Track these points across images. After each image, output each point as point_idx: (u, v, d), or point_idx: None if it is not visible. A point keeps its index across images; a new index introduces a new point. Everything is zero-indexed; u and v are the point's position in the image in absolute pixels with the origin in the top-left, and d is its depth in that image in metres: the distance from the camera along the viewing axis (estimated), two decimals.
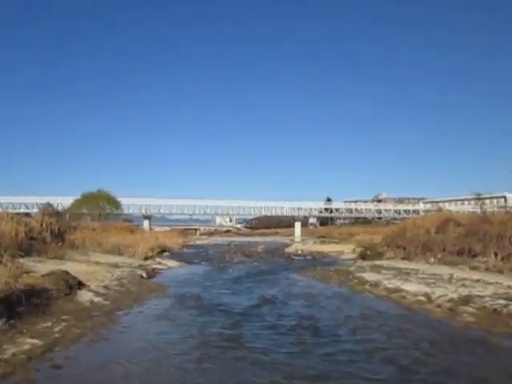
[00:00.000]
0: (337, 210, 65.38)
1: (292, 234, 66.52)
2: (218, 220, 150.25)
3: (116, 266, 15.27)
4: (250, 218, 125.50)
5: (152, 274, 15.08)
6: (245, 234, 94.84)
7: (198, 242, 51.99)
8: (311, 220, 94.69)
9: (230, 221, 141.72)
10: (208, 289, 11.93)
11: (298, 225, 60.70)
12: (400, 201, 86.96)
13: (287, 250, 33.24)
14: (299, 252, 30.58)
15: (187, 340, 6.59)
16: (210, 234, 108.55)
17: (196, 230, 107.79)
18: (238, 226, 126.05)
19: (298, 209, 62.22)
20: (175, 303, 9.73)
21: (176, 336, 6.83)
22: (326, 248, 31.29)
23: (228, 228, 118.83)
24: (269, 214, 66.12)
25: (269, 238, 71.80)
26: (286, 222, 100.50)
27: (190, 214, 70.43)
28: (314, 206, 65.62)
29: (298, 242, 52.17)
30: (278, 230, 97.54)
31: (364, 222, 70.40)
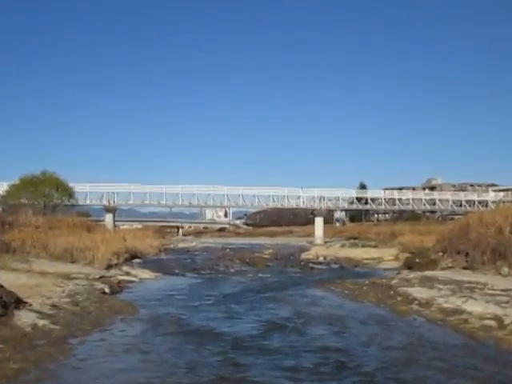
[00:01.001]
0: (374, 200, 64.52)
1: (311, 235, 66.60)
2: (209, 214, 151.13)
3: (68, 277, 15.41)
4: (254, 211, 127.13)
5: (117, 288, 15.29)
6: (246, 234, 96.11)
7: (181, 245, 52.19)
8: (338, 214, 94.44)
9: (226, 215, 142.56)
10: (195, 310, 12.04)
11: (319, 221, 59.92)
12: (461, 188, 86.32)
13: (305, 256, 33.54)
14: (321, 259, 30.79)
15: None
16: (198, 233, 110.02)
17: (178, 227, 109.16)
18: (237, 222, 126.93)
19: (320, 199, 61.08)
20: (149, 329, 9.79)
21: (151, 376, 6.90)
22: (359, 253, 31.53)
23: (223, 225, 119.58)
24: (279, 206, 65.40)
25: (279, 240, 72.13)
26: (302, 218, 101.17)
27: (170, 206, 70.60)
28: (341, 194, 63.83)
29: (320, 244, 52.40)
30: (293, 229, 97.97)
31: (411, 217, 69.94)
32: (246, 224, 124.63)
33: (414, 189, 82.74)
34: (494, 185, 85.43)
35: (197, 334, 9.24)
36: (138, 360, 7.61)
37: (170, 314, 11.38)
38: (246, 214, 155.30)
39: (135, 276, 19.07)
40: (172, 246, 49.90)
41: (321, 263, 27.53)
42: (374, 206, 65.51)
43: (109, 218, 56.33)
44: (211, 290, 15.93)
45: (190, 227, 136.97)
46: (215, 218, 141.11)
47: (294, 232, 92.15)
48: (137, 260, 26.46)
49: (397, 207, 65.95)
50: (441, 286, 13.61)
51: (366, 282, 16.50)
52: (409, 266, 21.38)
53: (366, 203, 63.71)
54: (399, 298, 12.97)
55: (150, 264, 25.05)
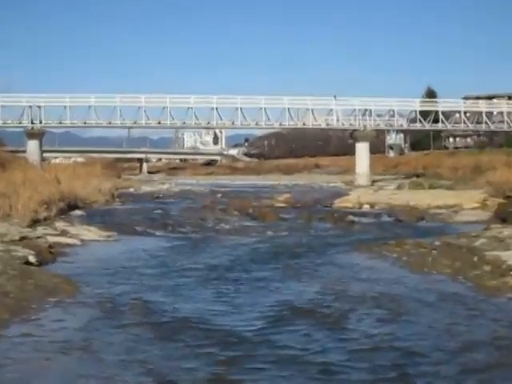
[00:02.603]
0: (448, 116, 64.52)
1: (349, 170, 66.63)
2: (190, 140, 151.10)
3: None
4: (260, 135, 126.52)
5: (48, 256, 15.39)
6: (248, 171, 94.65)
7: (147, 189, 52.52)
8: (392, 139, 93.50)
9: (216, 142, 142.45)
10: (168, 290, 12.10)
11: (362, 149, 60.17)
12: None
13: (340, 203, 33.76)
14: (366, 208, 31.25)
15: None
16: (172, 169, 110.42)
17: (141, 161, 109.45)
18: (234, 152, 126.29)
19: (365, 114, 61.19)
20: (97, 319, 9.81)
21: None
22: (425, 199, 31.66)
23: (211, 157, 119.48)
24: (300, 127, 64.69)
25: (300, 179, 71.98)
26: (336, 145, 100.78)
27: (128, 128, 70.15)
28: (398, 106, 63.34)
29: (364, 186, 52.70)
30: (321, 162, 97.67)
31: (507, 142, 68.98)
32: (248, 155, 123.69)
33: (510, 97, 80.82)
34: None
35: (170, 328, 9.22)
36: (78, 366, 7.63)
37: (129, 296, 11.42)
38: (247, 140, 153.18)
39: (75, 236, 19.22)
40: (132, 190, 49.91)
41: (365, 215, 27.81)
42: (448, 126, 64.62)
43: (33, 147, 56.39)
44: (194, 259, 15.97)
45: (159, 160, 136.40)
46: (199, 145, 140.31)
47: (322, 166, 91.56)
48: (78, 212, 26.68)
49: (484, 127, 65.36)
50: None
51: (436, 244, 16.57)
52: (503, 217, 21.61)
53: (437, 121, 63.27)
54: (487, 268, 13.05)
55: (99, 218, 25.31)
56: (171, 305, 10.82)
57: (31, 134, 57.20)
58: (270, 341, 8.59)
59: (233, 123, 62.24)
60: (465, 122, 64.92)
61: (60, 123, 59.36)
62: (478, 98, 75.37)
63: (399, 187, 43.95)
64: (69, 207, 26.97)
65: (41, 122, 57.66)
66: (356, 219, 25.67)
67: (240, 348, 8.26)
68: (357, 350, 8.13)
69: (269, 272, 14.10)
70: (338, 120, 61.85)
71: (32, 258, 14.19)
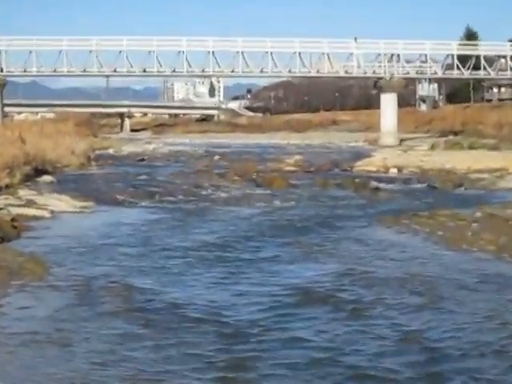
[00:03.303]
0: (491, 62, 64.85)
1: (373, 127, 66.36)
2: (181, 91, 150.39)
3: None
4: (265, 85, 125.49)
5: (11, 230, 15.39)
6: (251, 129, 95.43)
7: (130, 149, 52.88)
8: (424, 89, 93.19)
9: (213, 93, 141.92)
10: (155, 272, 12.16)
11: (388, 101, 60.58)
12: None
13: (362, 167, 34.03)
14: (393, 172, 31.35)
15: None
16: (159, 126, 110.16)
17: (123, 117, 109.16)
18: (234, 105, 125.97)
19: (391, 59, 61.26)
20: (71, 306, 9.85)
21: None
22: (464, 162, 31.68)
23: (207, 112, 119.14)
24: (313, 75, 65.17)
25: (314, 138, 71.87)
26: (357, 96, 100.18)
27: (107, 76, 69.96)
28: (431, 50, 64.03)
29: (391, 145, 52.86)
30: (339, 117, 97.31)
31: None
32: (251, 109, 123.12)
33: None
34: None
35: (157, 319, 9.24)
36: (46, 363, 7.60)
37: (107, 279, 11.45)
38: (250, 91, 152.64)
39: (44, 207, 19.19)
40: (112, 152, 49.95)
41: (392, 181, 27.78)
42: (491, 73, 64.37)
43: None
44: (186, 235, 15.99)
45: (144, 116, 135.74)
46: (192, 98, 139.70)
47: (340, 123, 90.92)
48: (47, 178, 26.65)
49: None
50: None
51: (477, 215, 16.61)
52: None
53: (478, 68, 63.16)
54: None
55: (72, 185, 25.26)
56: (159, 291, 10.81)
57: None
58: (278, 336, 8.51)
59: (232, 71, 61.71)
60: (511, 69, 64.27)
61: (24, 71, 58.88)
62: None
63: (433, 147, 43.78)
64: (36, 172, 26.91)
65: (1, 71, 57.25)
66: (381, 186, 25.63)
67: (241, 346, 8.18)
68: (382, 346, 8.09)
69: (276, 251, 14.08)
70: (359, 67, 61.27)
71: None
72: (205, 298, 10.32)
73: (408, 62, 63.10)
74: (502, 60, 65.08)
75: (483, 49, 64.93)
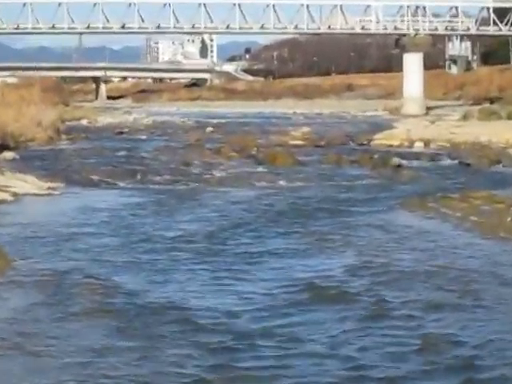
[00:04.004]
0: None
1: (395, 93, 66.11)
2: (167, 52, 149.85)
3: None
4: (267, 44, 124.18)
5: None
6: (250, 95, 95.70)
7: (106, 120, 52.82)
8: (454, 48, 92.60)
9: (204, 53, 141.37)
10: (138, 266, 12.20)
11: (413, 62, 61.14)
12: None
13: (382, 140, 34.08)
14: (418, 147, 31.46)
15: None
16: (142, 93, 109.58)
17: (98, 81, 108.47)
18: (229, 69, 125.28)
19: (416, 11, 61.50)
20: (39, 305, 9.87)
21: None
22: (502, 133, 31.71)
23: (198, 75, 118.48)
24: (323, 31, 66.24)
25: (325, 106, 71.43)
26: (375, 57, 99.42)
27: (79, 33, 69.57)
28: (462, 2, 64.35)
29: (416, 114, 53.31)
30: (355, 81, 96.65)
31: None
32: (251, 72, 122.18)
33: None
34: None
35: (138, 320, 9.26)
36: (8, 370, 7.62)
37: (80, 274, 11.46)
38: (248, 51, 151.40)
39: (5, 189, 19.09)
40: (86, 123, 49.86)
41: (418, 156, 27.80)
42: None
43: None
44: (172, 223, 16.01)
45: (123, 80, 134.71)
46: (180, 59, 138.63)
47: (356, 88, 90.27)
48: (8, 154, 26.56)
49: None
50: None
51: None
52: None
53: None
54: None
55: (39, 163, 25.30)
56: (140, 290, 10.80)
57: None
58: (285, 349, 8.35)
59: (228, 26, 61.57)
60: None
61: None
62: None
63: (465, 117, 43.58)
64: None
65: None
66: (404, 163, 25.54)
67: (239, 363, 7.97)
68: (405, 353, 8.05)
69: (280, 241, 14.08)
70: (378, 22, 61.16)
71: None
72: (194, 300, 10.28)
73: (436, 15, 62.93)
74: None
75: None
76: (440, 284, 10.75)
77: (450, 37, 74.64)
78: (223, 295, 10.59)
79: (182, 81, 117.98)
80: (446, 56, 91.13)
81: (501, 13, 62.01)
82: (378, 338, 8.63)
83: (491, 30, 62.96)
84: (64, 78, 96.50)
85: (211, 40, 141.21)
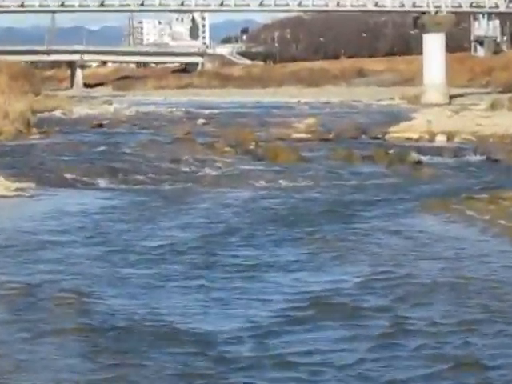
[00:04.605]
0: None
1: (414, 79, 66.03)
2: (152, 32, 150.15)
3: None
4: (266, 23, 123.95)
5: None
6: (247, 82, 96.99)
7: (83, 112, 53.08)
8: (481, 28, 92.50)
9: (195, 34, 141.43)
10: (118, 278, 12.24)
11: (434, 44, 61.76)
12: None
13: (397, 132, 34.33)
14: (440, 141, 31.63)
15: None
16: (123, 79, 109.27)
17: (74, 66, 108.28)
18: (224, 51, 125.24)
19: None
20: (6, 323, 9.87)
21: None
22: None
23: (188, 59, 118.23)
24: (331, 8, 66.23)
25: (333, 94, 71.42)
26: (391, 39, 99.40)
27: (52, 11, 69.41)
28: None
29: (437, 103, 54.06)
30: (367, 66, 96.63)
31: None
32: (248, 55, 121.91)
33: None
34: None
35: (118, 340, 9.26)
36: None
37: (53, 288, 11.46)
38: (246, 31, 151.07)
39: None
40: (60, 114, 49.91)
41: (440, 152, 27.91)
42: None
43: None
44: (158, 229, 16.02)
45: (102, 65, 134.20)
46: (168, 40, 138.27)
47: (370, 73, 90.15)
48: None
49: None
50: None
51: None
52: None
53: None
54: None
55: (6, 160, 25.36)
56: (120, 305, 10.79)
57: None
58: (284, 363, 8.44)
59: (222, 3, 61.67)
60: None
61: None
62: None
63: (494, 106, 43.57)
64: None
65: None
66: (424, 159, 25.61)
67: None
68: (427, 377, 8.03)
69: (282, 250, 14.09)
70: None
71: None
72: (182, 317, 10.26)
73: None
74: None
75: None
76: (465, 297, 10.72)
77: (475, 15, 74.65)
78: (213, 314, 10.49)
79: (170, 66, 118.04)
80: (472, 37, 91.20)
81: None
82: (396, 361, 8.55)
83: None
84: (35, 63, 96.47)
85: (203, 19, 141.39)
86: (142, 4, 58.00)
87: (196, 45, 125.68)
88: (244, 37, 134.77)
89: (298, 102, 60.80)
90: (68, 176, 22.64)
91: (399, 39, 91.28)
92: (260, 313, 10.48)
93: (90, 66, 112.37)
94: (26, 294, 11.14)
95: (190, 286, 11.92)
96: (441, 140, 31.08)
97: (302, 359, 8.60)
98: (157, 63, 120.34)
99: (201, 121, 42.63)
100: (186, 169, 24.22)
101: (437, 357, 8.59)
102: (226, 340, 9.35)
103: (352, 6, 59.70)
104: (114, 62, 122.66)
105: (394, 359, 8.62)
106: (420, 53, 60.37)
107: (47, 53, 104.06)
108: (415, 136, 32.27)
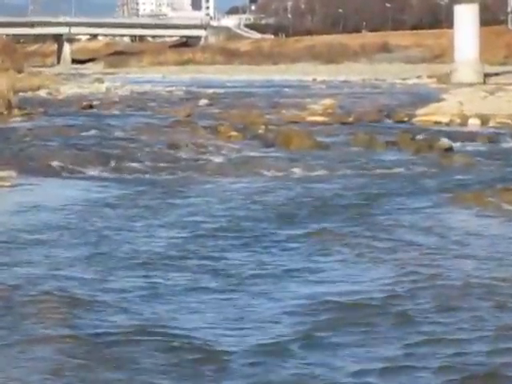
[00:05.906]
0: None
1: (443, 55, 66.22)
2: (148, 2, 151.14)
3: None
4: None
5: None
6: (256, 57, 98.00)
7: (71, 91, 53.78)
8: None
9: (197, 4, 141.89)
10: (109, 282, 12.24)
11: (467, 16, 61.29)
12: None
13: (425, 115, 34.66)
14: (472, 123, 31.89)
15: None
16: (116, 55, 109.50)
17: (61, 40, 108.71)
18: (229, 23, 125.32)
19: None
20: None
21: None
22: None
23: (189, 32, 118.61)
24: None
25: (353, 72, 71.65)
26: (418, 10, 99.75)
27: None
28: None
29: (470, 82, 54.16)
30: (391, 40, 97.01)
31: None
32: (257, 28, 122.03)
33: None
34: None
35: (112, 352, 9.13)
36: None
37: (35, 289, 11.50)
38: (253, 1, 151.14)
39: None
40: (45, 94, 50.29)
41: (473, 137, 28.09)
42: None
43: None
44: (155, 225, 16.06)
45: (93, 39, 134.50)
46: (166, 11, 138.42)
47: (394, 49, 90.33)
48: None
49: None
50: None
51: None
52: None
53: None
54: None
55: None
56: (112, 312, 10.74)
57: None
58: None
59: None
60: None
61: None
62: None
63: None
64: None
65: None
66: (456, 145, 25.75)
67: None
68: None
69: (295, 246, 14.10)
70: None
71: None
72: (181, 326, 10.14)
73: None
74: None
75: None
76: (504, 302, 10.67)
77: None
78: (218, 323, 10.37)
79: (169, 39, 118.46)
80: (509, 8, 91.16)
81: None
82: (428, 373, 8.48)
83: None
84: (17, 37, 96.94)
85: None
86: None
87: (198, 16, 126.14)
88: (252, 7, 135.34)
89: (314, 80, 61.00)
90: (54, 164, 22.72)
91: (427, 11, 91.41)
92: (276, 320, 10.39)
93: (78, 40, 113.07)
94: (2, 296, 11.12)
95: (189, 289, 11.84)
96: (474, 124, 31.17)
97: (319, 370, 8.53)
98: (154, 37, 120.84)
99: (203, 101, 42.76)
100: (187, 156, 24.33)
101: (477, 367, 8.47)
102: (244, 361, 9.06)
103: None
104: (106, 35, 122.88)
105: (423, 370, 8.52)
106: (450, 26, 60.59)
107: (31, 25, 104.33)
108: (445, 120, 32.37)
